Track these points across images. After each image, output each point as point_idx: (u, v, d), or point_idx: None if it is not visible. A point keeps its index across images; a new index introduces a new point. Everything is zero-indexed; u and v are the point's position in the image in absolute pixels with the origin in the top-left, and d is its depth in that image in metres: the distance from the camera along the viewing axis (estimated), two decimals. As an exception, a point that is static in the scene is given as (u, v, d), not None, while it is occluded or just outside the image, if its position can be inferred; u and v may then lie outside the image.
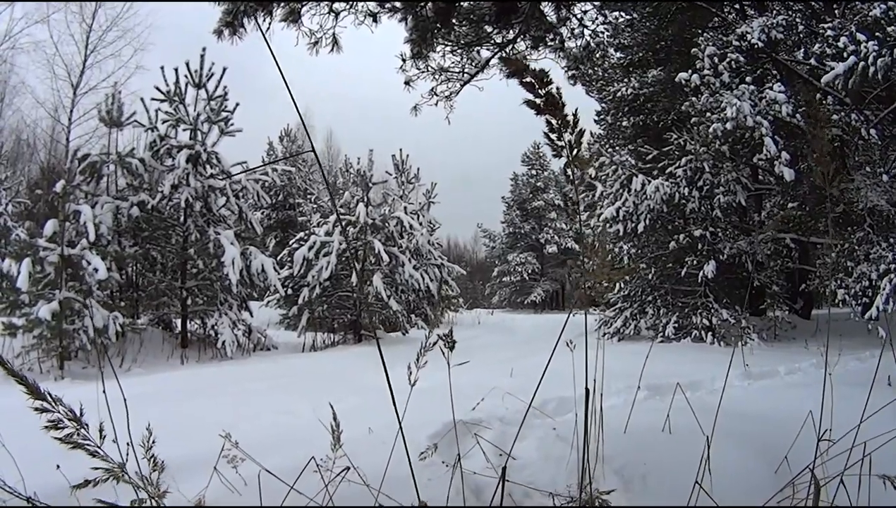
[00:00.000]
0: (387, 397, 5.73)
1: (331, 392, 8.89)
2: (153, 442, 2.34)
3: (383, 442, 4.19)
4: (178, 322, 17.21)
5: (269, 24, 10.54)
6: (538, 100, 1.75)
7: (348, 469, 3.04)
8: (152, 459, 2.17)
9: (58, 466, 3.87)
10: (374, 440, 4.70)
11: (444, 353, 2.61)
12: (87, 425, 2.00)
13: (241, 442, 3.57)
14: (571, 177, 1.84)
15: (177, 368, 14.10)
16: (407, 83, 14.10)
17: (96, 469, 2.05)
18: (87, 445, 1.98)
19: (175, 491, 2.43)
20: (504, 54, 13.18)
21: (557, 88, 1.80)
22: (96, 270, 13.61)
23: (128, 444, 2.20)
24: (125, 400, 2.35)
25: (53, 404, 1.92)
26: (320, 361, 15.00)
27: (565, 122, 1.77)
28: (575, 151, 1.79)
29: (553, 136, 1.81)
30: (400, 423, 2.15)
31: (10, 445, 3.69)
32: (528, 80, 1.69)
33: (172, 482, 2.70)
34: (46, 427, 1.97)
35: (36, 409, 1.94)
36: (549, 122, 1.77)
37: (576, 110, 1.83)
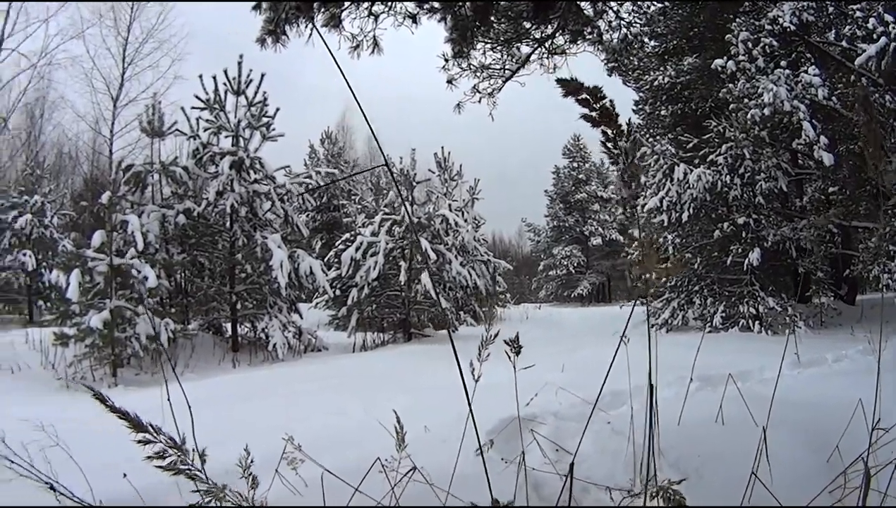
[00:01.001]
0: (439, 395, 5.75)
1: (382, 391, 9.01)
2: (251, 461, 2.40)
3: (443, 441, 4.24)
4: (229, 326, 17.41)
5: (312, 30, 10.63)
6: (594, 114, 1.81)
7: (414, 469, 3.07)
8: (251, 477, 2.24)
9: (125, 475, 3.95)
10: (432, 439, 4.73)
11: (509, 357, 2.65)
12: (188, 451, 2.07)
13: (296, 442, 3.59)
14: (628, 182, 1.91)
15: (229, 372, 14.24)
16: (449, 82, 14.13)
17: (196, 491, 2.12)
18: (188, 470, 2.06)
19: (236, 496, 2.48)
20: (544, 49, 13.21)
21: (611, 101, 1.87)
22: (146, 278, 13.85)
23: (193, 450, 2.23)
24: (189, 406, 2.41)
25: (155, 434, 2.01)
26: (371, 361, 15.05)
27: (620, 132, 1.84)
28: (631, 158, 1.87)
29: (609, 145, 1.87)
30: (474, 421, 2.20)
31: (75, 454, 3.69)
32: (584, 97, 1.76)
33: (232, 486, 2.74)
34: (150, 457, 2.04)
35: (139, 442, 2.02)
36: (605, 133, 1.84)
37: (629, 121, 1.89)
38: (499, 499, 2.15)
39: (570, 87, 1.69)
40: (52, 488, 2.42)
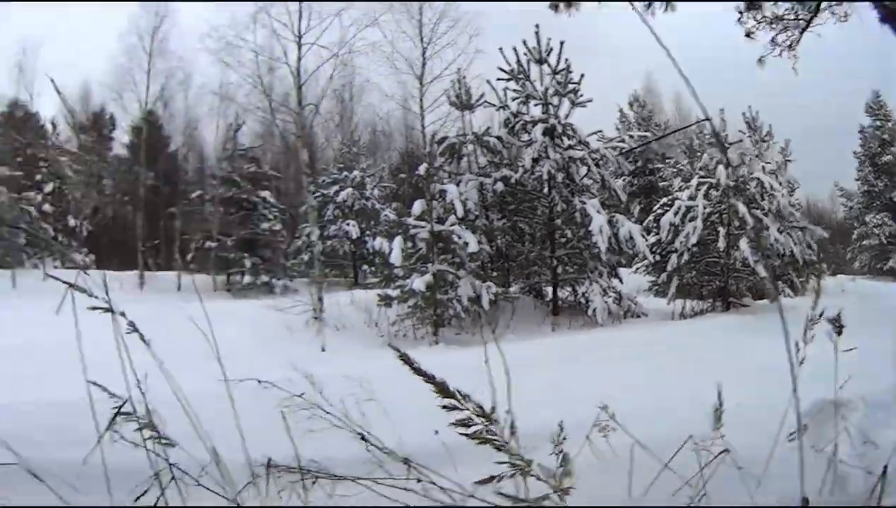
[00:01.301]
0: (754, 370, 5.76)
1: (700, 362, 8.86)
2: (563, 438, 2.44)
3: (756, 419, 4.18)
4: (549, 290, 17.81)
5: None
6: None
7: (727, 451, 2.94)
8: (561, 454, 2.22)
9: (436, 432, 4.23)
10: (745, 416, 4.59)
11: (831, 338, 2.57)
12: (496, 420, 2.15)
13: (610, 411, 3.42)
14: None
15: (548, 335, 14.75)
16: (748, 35, 13.85)
17: (501, 463, 2.13)
18: (495, 440, 2.12)
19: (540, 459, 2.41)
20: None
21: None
22: (467, 244, 14.68)
23: (507, 412, 2.24)
24: (507, 371, 2.47)
25: (462, 401, 2.13)
26: (690, 329, 15.05)
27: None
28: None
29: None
30: (797, 405, 2.21)
31: (390, 409, 3.91)
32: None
33: (541, 447, 2.70)
34: (454, 424, 2.16)
35: (444, 408, 2.16)
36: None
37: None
38: (808, 497, 2.13)
39: (889, 11, 1.68)
40: (363, 438, 2.66)
